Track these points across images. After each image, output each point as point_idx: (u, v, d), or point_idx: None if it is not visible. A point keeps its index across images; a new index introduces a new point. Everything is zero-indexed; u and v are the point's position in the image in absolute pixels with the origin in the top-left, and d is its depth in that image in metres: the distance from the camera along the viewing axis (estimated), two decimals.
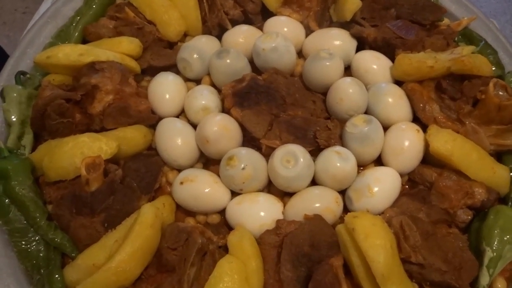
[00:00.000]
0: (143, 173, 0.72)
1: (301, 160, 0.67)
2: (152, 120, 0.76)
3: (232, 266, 0.58)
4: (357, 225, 0.61)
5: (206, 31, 0.86)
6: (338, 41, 0.81)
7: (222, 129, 0.69)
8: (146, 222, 0.62)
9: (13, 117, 0.75)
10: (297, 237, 0.63)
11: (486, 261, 0.64)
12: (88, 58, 0.75)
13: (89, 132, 0.72)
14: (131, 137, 0.73)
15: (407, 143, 0.71)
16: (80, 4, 0.90)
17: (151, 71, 0.82)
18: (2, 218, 0.68)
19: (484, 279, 0.63)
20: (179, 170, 0.74)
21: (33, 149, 0.75)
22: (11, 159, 0.69)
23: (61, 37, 0.85)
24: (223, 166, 0.68)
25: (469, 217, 0.68)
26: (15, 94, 0.76)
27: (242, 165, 0.67)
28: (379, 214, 0.67)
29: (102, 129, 0.74)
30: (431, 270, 0.62)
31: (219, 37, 0.85)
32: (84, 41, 0.85)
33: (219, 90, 0.78)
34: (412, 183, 0.73)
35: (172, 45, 0.86)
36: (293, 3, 0.85)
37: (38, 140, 0.76)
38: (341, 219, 0.68)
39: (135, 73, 0.79)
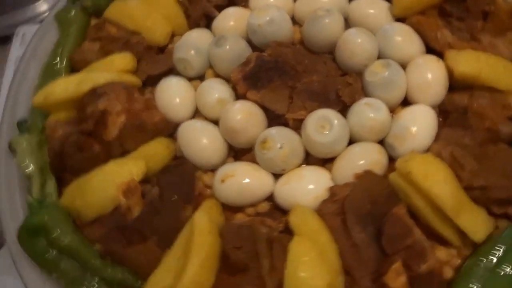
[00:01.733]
0: (179, 184, 0.70)
1: (335, 122, 0.65)
2: (169, 129, 0.74)
3: (305, 246, 0.57)
4: (412, 167, 0.60)
5: (193, 24, 0.83)
6: None
7: (246, 115, 0.67)
8: (204, 230, 0.60)
9: (30, 168, 0.71)
10: (355, 199, 0.61)
11: None
12: (87, 86, 0.72)
13: (112, 159, 0.69)
14: (155, 151, 0.71)
15: (430, 75, 0.69)
16: (56, 36, 0.87)
17: (151, 81, 0.79)
18: (55, 272, 0.65)
19: None
20: (213, 170, 0.71)
21: (59, 194, 0.72)
22: (45, 210, 0.66)
23: (49, 74, 0.81)
24: (259, 151, 0.66)
25: (511, 129, 0.67)
26: (24, 145, 0.73)
27: (279, 145, 0.65)
28: (425, 152, 0.66)
29: (123, 153, 0.71)
30: (495, 190, 0.61)
31: (208, 27, 0.82)
32: (73, 71, 0.82)
33: (226, 80, 0.75)
34: (445, 113, 0.71)
35: (162, 50, 0.83)
36: None
37: (61, 184, 0.73)
38: (389, 169, 0.66)
39: (137, 87, 0.76)
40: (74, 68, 0.82)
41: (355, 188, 0.62)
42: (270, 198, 0.68)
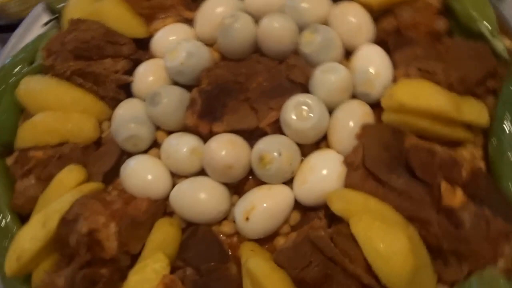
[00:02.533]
0: (206, 250, 0.64)
1: (310, 101, 0.64)
2: (161, 208, 0.67)
3: (365, 221, 0.55)
4: (400, 98, 0.61)
5: (113, 103, 0.77)
6: (219, 7, 0.77)
7: (229, 146, 0.63)
8: (266, 272, 0.55)
9: None
10: (372, 155, 0.61)
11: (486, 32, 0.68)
12: (54, 220, 0.63)
13: (127, 272, 0.62)
14: (163, 236, 0.64)
15: (353, 18, 0.71)
16: None
17: (109, 177, 0.72)
18: None
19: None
20: (226, 218, 0.67)
21: None
22: None
23: (1, 237, 0.71)
24: (262, 170, 0.63)
25: (445, 21, 0.71)
26: None
27: (276, 154, 0.62)
28: (394, 81, 0.67)
29: (133, 259, 0.63)
30: (470, 75, 0.64)
31: (130, 95, 0.77)
32: (23, 218, 0.72)
33: (182, 130, 0.71)
34: (384, 43, 0.72)
35: (99, 143, 0.76)
36: (156, 13, 0.80)
37: None
38: (375, 114, 0.67)
39: (103, 190, 0.69)
40: (22, 215, 0.72)
41: (365, 147, 0.62)
42: (296, 206, 0.65)
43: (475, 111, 0.62)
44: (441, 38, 0.70)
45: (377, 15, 0.73)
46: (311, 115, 0.63)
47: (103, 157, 0.73)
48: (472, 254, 0.54)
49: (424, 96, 0.60)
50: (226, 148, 0.63)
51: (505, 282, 0.54)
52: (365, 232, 0.54)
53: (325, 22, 0.73)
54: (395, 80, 0.67)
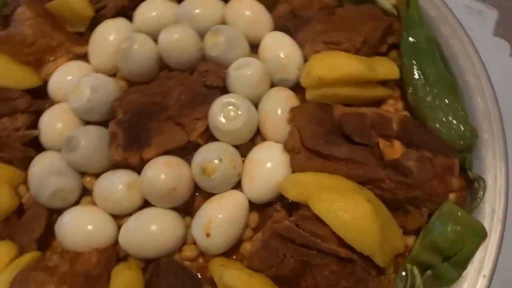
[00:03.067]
0: (175, 283, 0.59)
1: (233, 100, 0.63)
2: (113, 255, 0.62)
3: (324, 197, 0.55)
4: (316, 72, 0.63)
5: (24, 163, 0.69)
6: (112, 34, 0.73)
7: (167, 168, 0.60)
8: (244, 280, 0.54)
9: None
10: (308, 134, 0.61)
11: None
12: None
13: None
14: (125, 283, 0.58)
15: (248, 12, 0.72)
16: None
17: (44, 242, 0.65)
18: None
19: None
20: (185, 243, 0.63)
21: None
22: None
23: None
24: (207, 181, 0.60)
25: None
26: None
27: (217, 161, 0.60)
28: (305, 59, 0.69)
29: None
30: (370, 35, 0.68)
31: (39, 151, 0.69)
32: None
33: (111, 168, 0.66)
34: (282, 27, 0.74)
35: (21, 210, 0.68)
36: (44, 56, 0.73)
37: None
38: (299, 95, 0.68)
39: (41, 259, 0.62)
40: None
41: (299, 128, 0.62)
42: (255, 207, 0.63)
43: (386, 67, 0.66)
44: (334, 10, 0.73)
45: (269, 3, 0.74)
46: (240, 112, 0.62)
47: (30, 224, 0.66)
48: (427, 196, 0.57)
49: (338, 65, 0.62)
50: (164, 171, 0.60)
51: (462, 211, 0.57)
52: (327, 208, 0.54)
53: (223, 22, 0.73)
54: (305, 59, 0.69)
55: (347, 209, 0.53)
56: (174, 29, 0.69)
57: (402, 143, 0.60)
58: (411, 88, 0.66)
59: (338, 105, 0.64)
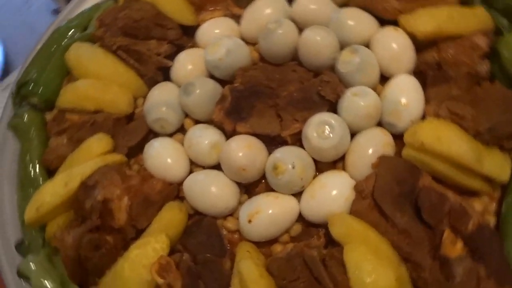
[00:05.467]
0: (206, 241, 0.67)
1: (333, 122, 0.65)
2: (174, 191, 0.71)
3: (359, 251, 0.56)
4: (422, 137, 0.61)
5: (151, 83, 0.80)
6: (268, 8, 0.79)
7: (247, 149, 0.66)
8: (254, 276, 0.58)
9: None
10: (382, 187, 0.61)
11: None
12: (75, 182, 0.68)
13: (130, 244, 0.66)
14: (170, 219, 0.68)
15: (395, 45, 0.71)
16: (15, 144, 0.82)
17: (133, 152, 0.76)
18: None
19: None
20: (232, 214, 0.70)
21: None
22: None
23: (27, 185, 0.77)
24: (274, 178, 0.65)
25: (488, 65, 0.69)
26: (34, 267, 0.68)
27: (290, 166, 0.64)
28: (423, 118, 0.67)
29: (138, 233, 0.68)
30: (500, 127, 0.63)
31: (168, 79, 0.80)
32: (50, 173, 0.77)
33: (209, 123, 0.74)
34: (422, 75, 0.73)
35: (131, 117, 0.80)
36: (206, 4, 0.82)
37: None
38: (397, 146, 0.67)
39: (125, 164, 0.73)
40: (49, 169, 0.77)
41: (378, 177, 0.62)
42: (300, 218, 0.67)
43: (497, 166, 0.61)
44: (480, 82, 0.68)
45: (420, 45, 0.72)
46: (332, 135, 0.64)
47: (131, 132, 0.77)
48: None
49: (447, 140, 0.59)
50: (243, 151, 0.65)
51: None
52: (356, 262, 0.55)
53: (367, 44, 0.73)
54: (424, 115, 0.67)
55: (372, 274, 0.54)
56: (319, 32, 0.71)
57: (466, 245, 0.57)
58: (510, 198, 0.61)
59: (427, 175, 0.62)
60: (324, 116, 0.65)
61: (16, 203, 0.77)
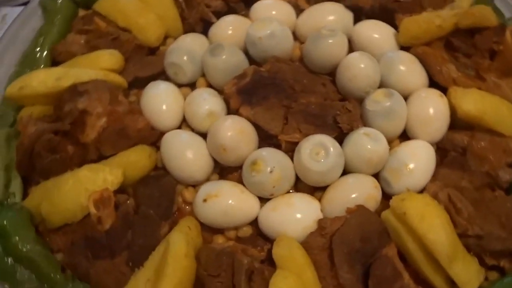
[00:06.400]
0: (157, 198, 0.65)
1: (331, 149, 0.61)
2: (153, 137, 0.69)
3: (289, 282, 0.52)
4: (408, 208, 0.56)
5: (188, 29, 0.78)
6: (332, 15, 0.75)
7: (237, 133, 0.63)
8: (179, 253, 0.55)
9: None
10: (345, 234, 0.58)
11: None
12: (68, 81, 0.66)
13: (87, 163, 0.64)
14: (136, 160, 0.65)
15: (432, 110, 0.66)
16: (40, 23, 0.81)
17: (137, 84, 0.74)
18: (8, 282, 0.59)
19: None
20: (194, 186, 0.67)
21: (24, 194, 0.67)
22: (5, 212, 0.60)
23: (27, 63, 0.76)
24: (248, 173, 0.61)
25: (511, 176, 0.65)
26: None
27: (269, 168, 0.60)
28: (421, 191, 0.63)
29: (100, 158, 0.65)
30: (490, 240, 0.58)
31: (205, 33, 0.77)
32: (54, 63, 0.76)
33: (219, 91, 0.71)
34: (442, 151, 0.68)
35: (153, 51, 0.78)
36: None
37: (27, 184, 0.67)
38: (381, 205, 0.63)
39: (123, 89, 0.71)
40: (55, 59, 0.76)
41: (346, 224, 0.58)
42: (254, 222, 0.63)
43: (467, 274, 0.56)
44: (495, 187, 0.63)
45: (457, 123, 0.67)
46: (323, 161, 0.60)
47: (146, 65, 0.75)
48: None
49: (429, 223, 0.55)
50: (233, 132, 0.62)
51: None
52: None
53: (407, 95, 0.69)
54: (423, 190, 0.63)
55: None
56: (366, 60, 0.67)
57: None
58: None
59: (394, 247, 0.58)
60: (326, 140, 0.62)
61: (12, 73, 0.75)
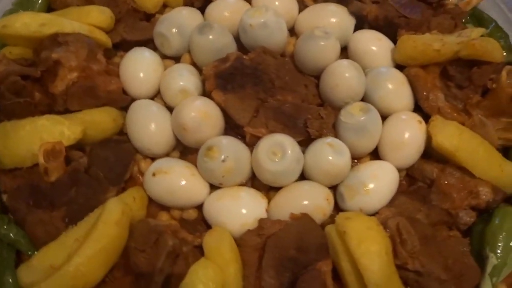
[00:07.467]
0: (112, 162, 0.64)
1: (289, 152, 0.59)
2: (123, 102, 0.68)
3: (207, 272, 0.51)
4: (349, 228, 0.54)
5: (188, 2, 0.77)
6: (335, 18, 0.73)
7: (201, 115, 0.61)
8: (111, 220, 0.54)
9: None
10: (282, 239, 0.56)
11: (489, 268, 0.58)
12: (50, 29, 0.66)
13: (51, 113, 0.63)
14: (99, 120, 0.65)
15: (407, 135, 0.64)
16: None
17: (124, 46, 0.73)
18: None
19: None
20: (153, 159, 0.66)
21: None
22: None
23: (23, 4, 0.75)
24: (201, 158, 0.60)
25: (472, 219, 0.62)
26: None
27: (222, 157, 0.59)
28: (374, 214, 0.60)
29: (66, 111, 0.65)
30: (429, 279, 0.56)
31: (202, 10, 0.76)
32: (50, 9, 0.76)
33: (200, 70, 0.69)
34: (411, 179, 0.66)
35: (149, 17, 0.77)
36: None
37: None
38: (331, 218, 0.61)
39: (105, 48, 0.70)
40: (51, 6, 0.76)
41: (286, 229, 0.57)
42: (199, 207, 0.62)
43: None
44: (452, 227, 0.61)
45: (432, 153, 0.64)
46: (278, 161, 0.59)
47: (136, 29, 0.75)
48: None
49: (366, 249, 0.52)
50: (197, 114, 0.61)
51: None
52: (197, 278, 0.51)
53: (389, 114, 0.66)
54: (375, 213, 0.60)
55: None
56: (353, 70, 0.65)
57: None
58: None
59: (330, 264, 0.56)
60: (287, 142, 0.60)
61: (6, 11, 0.76)
